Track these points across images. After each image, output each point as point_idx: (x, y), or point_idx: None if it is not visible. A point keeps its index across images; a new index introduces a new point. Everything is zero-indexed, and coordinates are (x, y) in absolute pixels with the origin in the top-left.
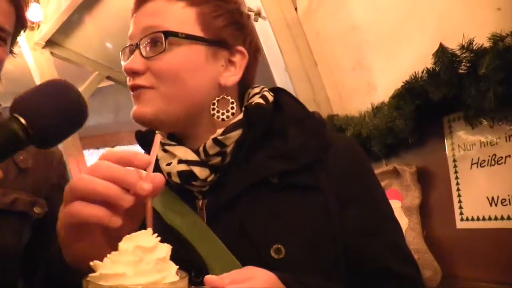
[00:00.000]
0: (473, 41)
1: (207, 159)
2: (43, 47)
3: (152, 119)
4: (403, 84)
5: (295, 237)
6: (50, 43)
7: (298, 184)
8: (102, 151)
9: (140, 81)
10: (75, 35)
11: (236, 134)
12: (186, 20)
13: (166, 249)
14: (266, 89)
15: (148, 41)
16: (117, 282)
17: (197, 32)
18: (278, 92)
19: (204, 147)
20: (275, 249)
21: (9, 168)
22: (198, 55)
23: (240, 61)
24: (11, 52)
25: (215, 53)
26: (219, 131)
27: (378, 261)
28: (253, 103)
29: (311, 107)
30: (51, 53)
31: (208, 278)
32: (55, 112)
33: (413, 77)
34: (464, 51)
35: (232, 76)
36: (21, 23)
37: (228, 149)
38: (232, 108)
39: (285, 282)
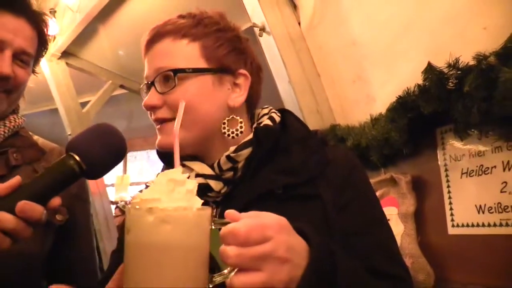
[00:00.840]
0: (459, 59)
1: (221, 173)
2: (59, 58)
3: (171, 147)
4: (396, 98)
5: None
6: (66, 54)
7: (300, 194)
8: None
9: (160, 114)
10: (90, 46)
11: (246, 152)
12: (191, 55)
13: (194, 184)
14: (273, 110)
15: (161, 79)
16: (153, 205)
17: (202, 64)
18: (284, 113)
19: (218, 163)
20: None
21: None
22: (205, 84)
23: (244, 82)
24: (33, 71)
25: (220, 80)
26: (232, 148)
27: (365, 259)
28: (261, 124)
29: (314, 118)
30: (67, 63)
31: (228, 212)
32: (103, 150)
33: (405, 92)
34: (451, 69)
35: (238, 97)
36: (42, 45)
37: (239, 165)
38: (241, 127)
39: (296, 227)
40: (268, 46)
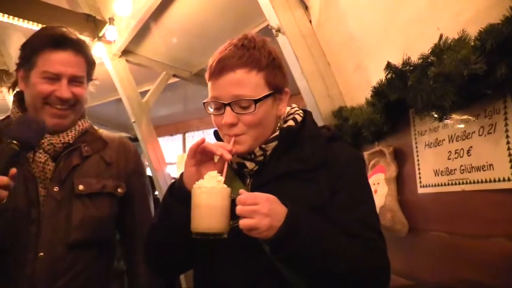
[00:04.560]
0: (410, 58)
1: (254, 157)
2: (120, 57)
3: (245, 152)
4: (372, 88)
5: (299, 205)
6: (125, 52)
7: (305, 178)
8: (175, 137)
9: (235, 131)
10: (144, 44)
11: (273, 144)
12: (259, 84)
13: (221, 177)
14: (298, 112)
15: (239, 103)
16: (200, 185)
17: (267, 90)
18: (305, 113)
19: (253, 151)
20: None
21: (100, 163)
22: (269, 105)
23: (285, 96)
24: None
25: (275, 99)
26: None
27: (350, 229)
28: (285, 126)
29: (325, 101)
30: (126, 60)
31: (241, 190)
32: (30, 133)
33: (378, 83)
34: (405, 65)
35: (283, 108)
36: (90, 65)
37: (268, 153)
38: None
39: (283, 202)
40: (284, 44)
